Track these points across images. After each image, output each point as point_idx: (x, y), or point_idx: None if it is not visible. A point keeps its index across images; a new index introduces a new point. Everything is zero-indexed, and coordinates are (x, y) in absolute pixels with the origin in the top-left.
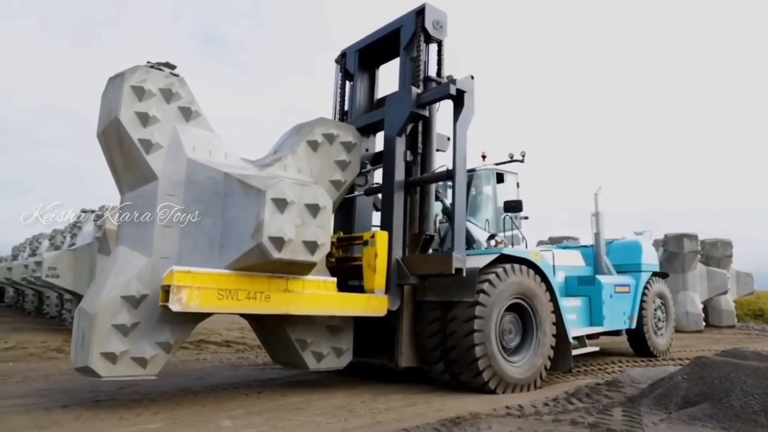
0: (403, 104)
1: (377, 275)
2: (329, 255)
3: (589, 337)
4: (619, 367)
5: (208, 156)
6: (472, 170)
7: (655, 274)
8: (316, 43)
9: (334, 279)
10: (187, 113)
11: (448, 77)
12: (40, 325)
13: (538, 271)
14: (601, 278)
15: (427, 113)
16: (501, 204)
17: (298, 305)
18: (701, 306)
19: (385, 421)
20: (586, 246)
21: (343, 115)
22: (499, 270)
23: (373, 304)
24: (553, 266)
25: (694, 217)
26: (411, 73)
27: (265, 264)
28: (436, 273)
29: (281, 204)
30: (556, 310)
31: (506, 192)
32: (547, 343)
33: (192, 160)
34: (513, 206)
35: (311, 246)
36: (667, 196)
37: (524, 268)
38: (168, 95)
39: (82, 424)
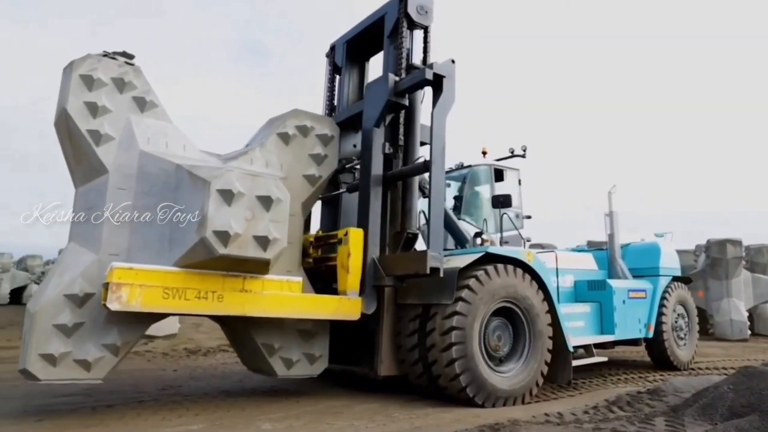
0: (380, 93)
1: (350, 276)
2: (306, 255)
3: (600, 346)
4: (632, 378)
5: (164, 148)
6: (468, 167)
7: (676, 279)
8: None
9: (300, 279)
10: (142, 103)
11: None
12: None
13: (533, 273)
14: (612, 283)
15: (406, 102)
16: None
17: (256, 306)
18: (746, 314)
19: (423, 426)
20: (600, 249)
21: (332, 110)
22: (483, 271)
23: (344, 306)
24: (557, 269)
25: (735, 221)
26: (394, 62)
27: (212, 260)
28: (411, 273)
29: (228, 195)
30: (554, 316)
31: (507, 190)
32: (542, 352)
33: (144, 152)
34: (501, 201)
35: (263, 241)
36: (707, 199)
37: (514, 269)
38: (121, 85)
39: (125, 424)
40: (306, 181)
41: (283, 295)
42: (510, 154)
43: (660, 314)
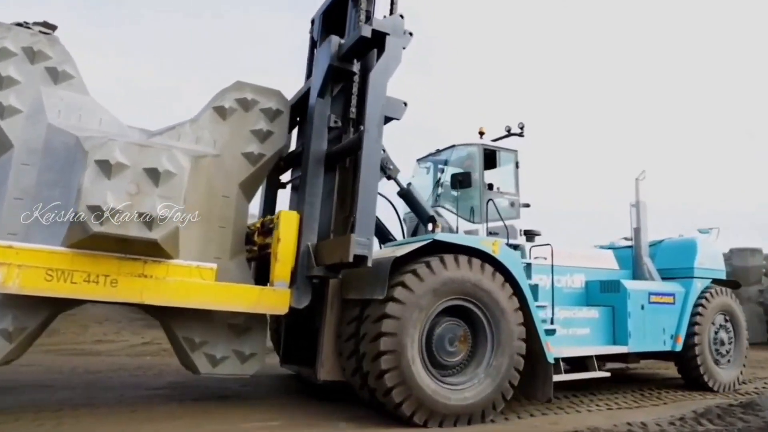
0: (324, 59)
1: (279, 264)
2: (250, 242)
3: (623, 358)
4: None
5: (77, 121)
6: (451, 146)
7: (717, 282)
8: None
9: (214, 265)
10: (55, 75)
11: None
12: None
13: (500, 267)
14: (628, 284)
15: (355, 68)
16: (495, 188)
17: (156, 294)
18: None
19: None
20: (625, 246)
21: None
22: (425, 263)
23: (267, 299)
24: (552, 266)
25: None
26: (354, 25)
27: (91, 240)
28: (336, 261)
29: (106, 167)
30: (528, 321)
31: (502, 174)
32: (510, 360)
33: (52, 125)
34: (460, 181)
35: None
36: None
37: (473, 261)
38: (31, 55)
39: (210, 417)
40: (245, 160)
41: (190, 283)
42: (506, 133)
43: (693, 324)
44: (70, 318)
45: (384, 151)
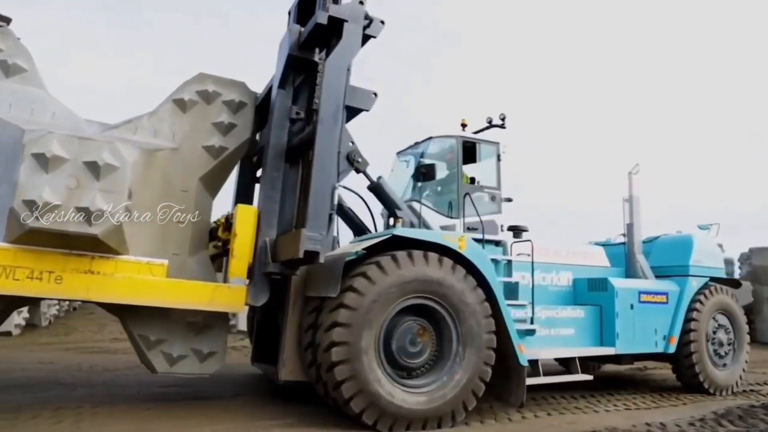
0: (284, 48)
1: (235, 260)
2: (214, 238)
3: (615, 360)
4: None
5: (29, 115)
6: (428, 138)
7: (716, 281)
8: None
9: (165, 261)
10: (6, 68)
11: None
12: None
13: (468, 264)
14: (616, 282)
15: (316, 57)
16: (476, 182)
17: (103, 291)
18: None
19: None
20: (618, 243)
21: None
22: (388, 257)
23: (222, 296)
24: (532, 263)
25: None
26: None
27: (28, 235)
28: (290, 258)
29: (43, 160)
30: (500, 321)
31: (484, 167)
32: (475, 366)
33: (1, 119)
34: (423, 173)
35: (87, 214)
36: None
37: (435, 257)
38: None
39: (222, 415)
40: (206, 153)
41: (139, 280)
42: (487, 125)
43: (687, 324)
44: (87, 317)
45: (352, 143)
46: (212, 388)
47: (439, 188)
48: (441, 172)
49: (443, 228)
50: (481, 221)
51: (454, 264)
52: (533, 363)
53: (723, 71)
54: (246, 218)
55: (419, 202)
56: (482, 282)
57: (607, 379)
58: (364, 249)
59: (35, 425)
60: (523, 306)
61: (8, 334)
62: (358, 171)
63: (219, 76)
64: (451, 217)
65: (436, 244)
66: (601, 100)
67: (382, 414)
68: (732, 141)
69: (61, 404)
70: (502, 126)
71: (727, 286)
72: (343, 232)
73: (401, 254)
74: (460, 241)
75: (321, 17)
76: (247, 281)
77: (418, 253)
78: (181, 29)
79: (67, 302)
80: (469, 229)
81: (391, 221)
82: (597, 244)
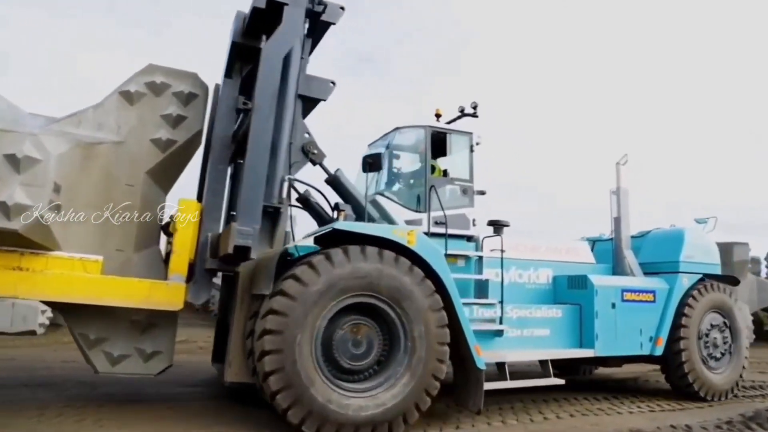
0: (231, 36)
1: (175, 256)
2: (170, 234)
3: (603, 362)
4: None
5: None
6: (395, 129)
7: (710, 278)
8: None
9: (99, 258)
10: None
11: None
12: (207, 321)
13: (418, 260)
14: (596, 279)
15: (261, 44)
16: (447, 174)
17: (32, 288)
18: (751, 318)
19: None
20: (607, 238)
21: None
22: (319, 257)
23: (159, 294)
24: (501, 259)
25: None
26: None
27: None
28: (223, 253)
29: None
30: (454, 320)
31: (456, 158)
32: (424, 370)
33: None
34: (370, 164)
35: (5, 209)
36: None
37: (383, 253)
38: None
39: (241, 415)
40: (153, 146)
41: (71, 276)
42: (459, 114)
43: (677, 324)
44: None
45: (308, 134)
46: (232, 388)
47: (411, 181)
48: (412, 165)
49: (409, 222)
50: (444, 215)
51: (397, 257)
52: (500, 366)
53: (726, 66)
54: (187, 213)
55: (384, 195)
56: (436, 278)
57: (628, 379)
58: (298, 245)
59: (59, 423)
60: (492, 305)
61: (33, 333)
62: (314, 163)
63: (169, 67)
64: (419, 211)
65: (383, 239)
66: (596, 93)
67: (324, 422)
68: (734, 138)
69: (84, 403)
70: (474, 115)
71: (723, 284)
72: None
73: (335, 251)
74: (409, 235)
75: (259, 1)
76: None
77: (355, 249)
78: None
79: None
80: (437, 223)
81: (334, 214)
82: (588, 239)
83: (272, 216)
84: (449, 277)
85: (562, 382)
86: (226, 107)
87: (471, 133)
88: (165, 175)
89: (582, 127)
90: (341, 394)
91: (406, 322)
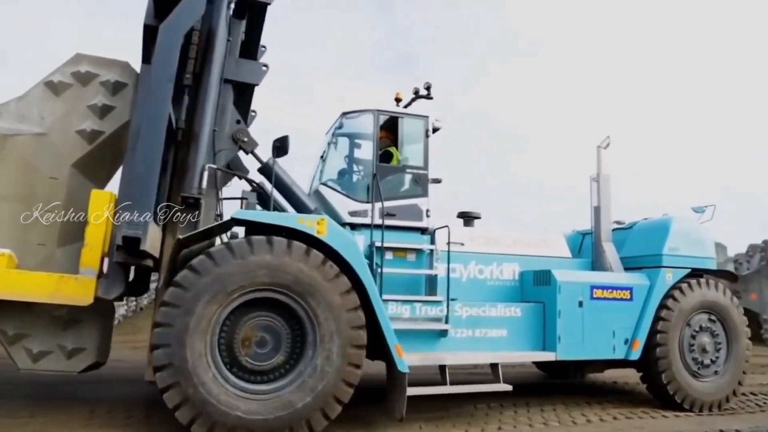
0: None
1: (86, 250)
2: None
3: (588, 366)
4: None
5: None
6: (342, 114)
7: (701, 272)
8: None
9: (6, 251)
10: None
11: None
12: None
13: (330, 252)
14: (559, 274)
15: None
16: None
17: None
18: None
19: None
20: (588, 231)
21: None
22: (219, 248)
23: (67, 288)
24: (448, 252)
25: None
26: None
27: None
28: (117, 245)
29: None
30: (371, 319)
31: (411, 144)
32: (334, 372)
33: None
34: (277, 147)
35: None
36: None
37: (283, 244)
38: None
39: None
40: (79, 138)
41: None
42: (414, 96)
43: (656, 325)
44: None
45: (239, 121)
46: None
47: (359, 170)
48: (360, 152)
49: (354, 214)
50: (382, 204)
51: (308, 250)
52: (441, 369)
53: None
54: (98, 204)
55: (327, 185)
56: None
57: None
58: (184, 236)
59: (109, 419)
60: (438, 303)
61: None
62: (246, 151)
63: (97, 56)
64: (366, 202)
65: (287, 229)
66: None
67: (214, 423)
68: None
69: (132, 401)
70: (428, 97)
71: (718, 280)
72: None
73: (239, 242)
74: (318, 225)
75: None
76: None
77: (260, 240)
78: None
79: (134, 302)
80: (387, 215)
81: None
82: (579, 232)
83: (193, 207)
84: (366, 272)
85: (508, 388)
86: (144, 93)
87: (426, 117)
88: (96, 167)
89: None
90: (238, 396)
91: (316, 322)
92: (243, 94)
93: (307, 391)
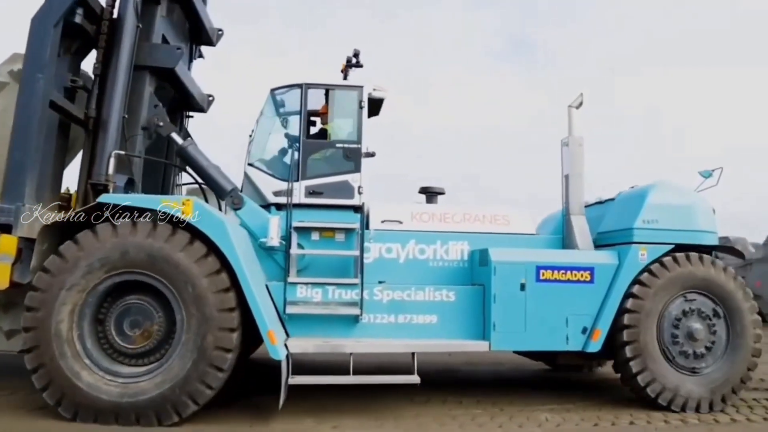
0: None
1: (2, 236)
2: None
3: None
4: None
5: None
6: (273, 90)
7: (689, 248)
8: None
9: None
10: None
11: None
12: None
13: (199, 233)
14: (496, 253)
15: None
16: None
17: None
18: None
19: None
20: (593, 203)
21: None
22: (85, 232)
23: None
24: (363, 231)
25: None
26: None
27: None
28: None
29: None
30: (241, 303)
31: (344, 118)
32: (200, 356)
33: None
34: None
35: None
36: None
37: (147, 226)
38: None
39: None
40: None
41: None
42: (346, 64)
43: (623, 311)
44: None
45: (156, 106)
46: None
47: (285, 147)
48: (288, 129)
49: (277, 194)
50: (290, 183)
51: (175, 231)
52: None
53: None
54: None
55: (253, 166)
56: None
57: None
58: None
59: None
60: (353, 286)
61: None
62: (160, 136)
63: None
64: (292, 180)
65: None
66: None
67: (79, 405)
68: None
69: None
70: (357, 65)
71: (710, 256)
72: None
73: (104, 226)
74: (183, 205)
75: None
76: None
77: (125, 223)
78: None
79: None
80: (313, 193)
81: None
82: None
83: (101, 194)
84: (234, 253)
85: (416, 380)
86: (56, 85)
87: (360, 87)
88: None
89: None
90: (105, 378)
91: (183, 304)
92: (160, 78)
93: (174, 376)
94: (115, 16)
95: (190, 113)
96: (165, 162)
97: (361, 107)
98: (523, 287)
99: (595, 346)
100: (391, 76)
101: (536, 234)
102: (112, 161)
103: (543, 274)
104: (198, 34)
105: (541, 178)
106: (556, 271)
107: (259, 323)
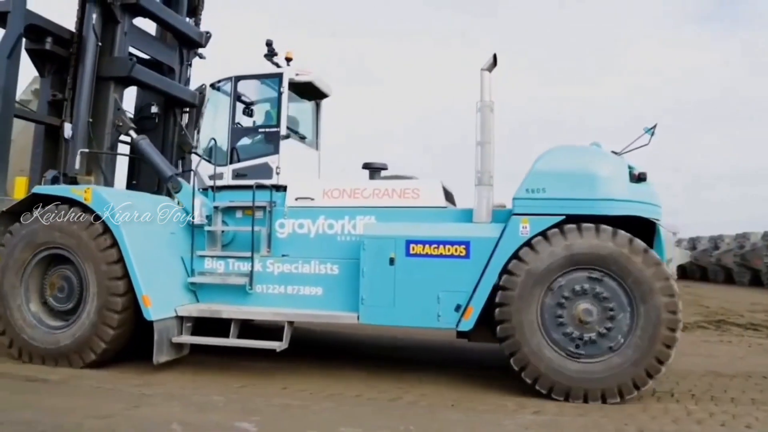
0: None
1: None
2: None
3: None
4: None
5: None
6: (212, 84)
7: (585, 219)
8: None
9: None
10: None
11: None
12: None
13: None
14: (368, 228)
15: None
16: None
17: None
18: None
19: None
20: None
21: None
22: (26, 215)
23: None
24: (253, 206)
25: None
26: None
27: None
28: None
29: None
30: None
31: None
32: (99, 309)
33: None
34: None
35: None
36: None
37: (65, 210)
38: None
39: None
40: None
41: None
42: (267, 53)
43: (497, 288)
44: None
45: (120, 109)
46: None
47: (219, 136)
48: (223, 119)
49: (211, 177)
50: (215, 167)
51: (82, 215)
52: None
53: None
54: (20, 190)
55: (196, 154)
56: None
57: None
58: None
59: None
60: (246, 258)
61: None
62: (120, 133)
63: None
64: (223, 165)
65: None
66: None
67: (31, 353)
68: None
69: None
70: (271, 54)
71: (612, 228)
72: None
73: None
74: (85, 193)
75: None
76: None
77: (51, 209)
78: None
79: None
80: (239, 175)
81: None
82: None
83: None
84: (119, 230)
85: (275, 345)
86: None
87: (280, 74)
88: None
89: None
90: (48, 330)
91: (83, 274)
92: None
93: (78, 329)
94: None
95: (185, 108)
96: (124, 155)
97: (280, 93)
98: (392, 262)
99: (467, 324)
100: None
101: (446, 207)
102: (78, 158)
103: (413, 249)
104: (186, 40)
105: None
106: (427, 246)
107: (135, 289)
